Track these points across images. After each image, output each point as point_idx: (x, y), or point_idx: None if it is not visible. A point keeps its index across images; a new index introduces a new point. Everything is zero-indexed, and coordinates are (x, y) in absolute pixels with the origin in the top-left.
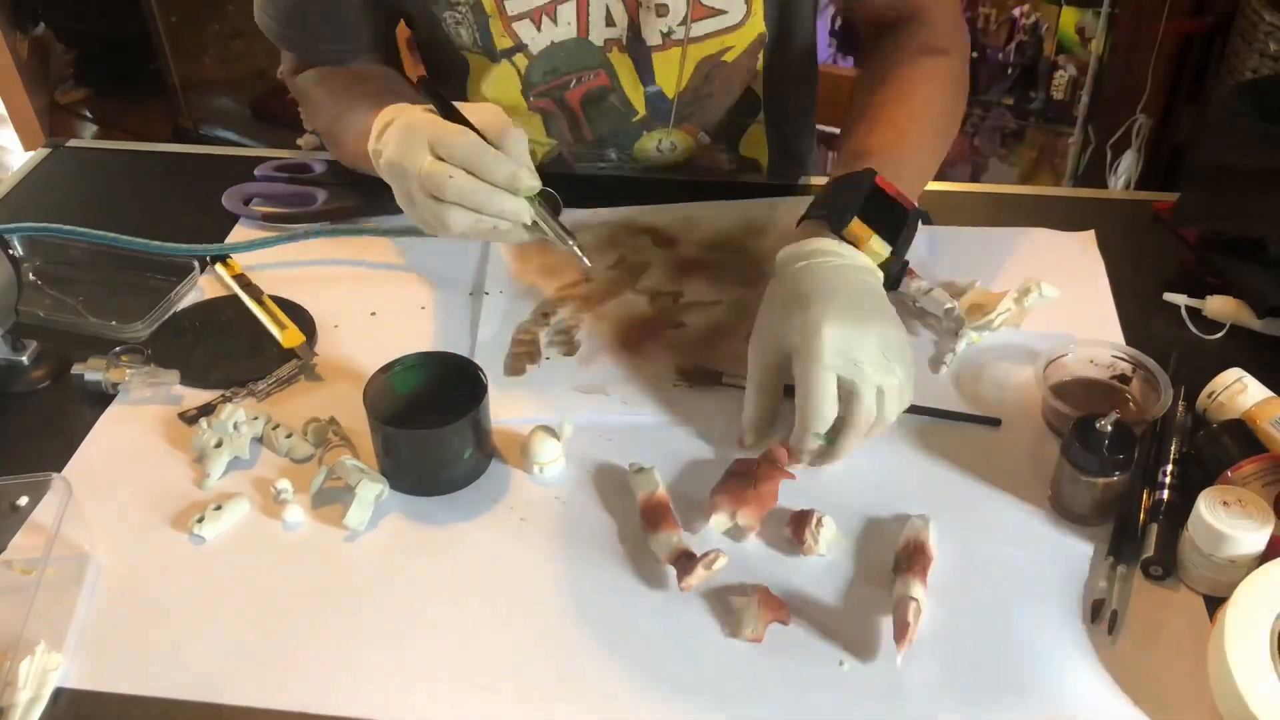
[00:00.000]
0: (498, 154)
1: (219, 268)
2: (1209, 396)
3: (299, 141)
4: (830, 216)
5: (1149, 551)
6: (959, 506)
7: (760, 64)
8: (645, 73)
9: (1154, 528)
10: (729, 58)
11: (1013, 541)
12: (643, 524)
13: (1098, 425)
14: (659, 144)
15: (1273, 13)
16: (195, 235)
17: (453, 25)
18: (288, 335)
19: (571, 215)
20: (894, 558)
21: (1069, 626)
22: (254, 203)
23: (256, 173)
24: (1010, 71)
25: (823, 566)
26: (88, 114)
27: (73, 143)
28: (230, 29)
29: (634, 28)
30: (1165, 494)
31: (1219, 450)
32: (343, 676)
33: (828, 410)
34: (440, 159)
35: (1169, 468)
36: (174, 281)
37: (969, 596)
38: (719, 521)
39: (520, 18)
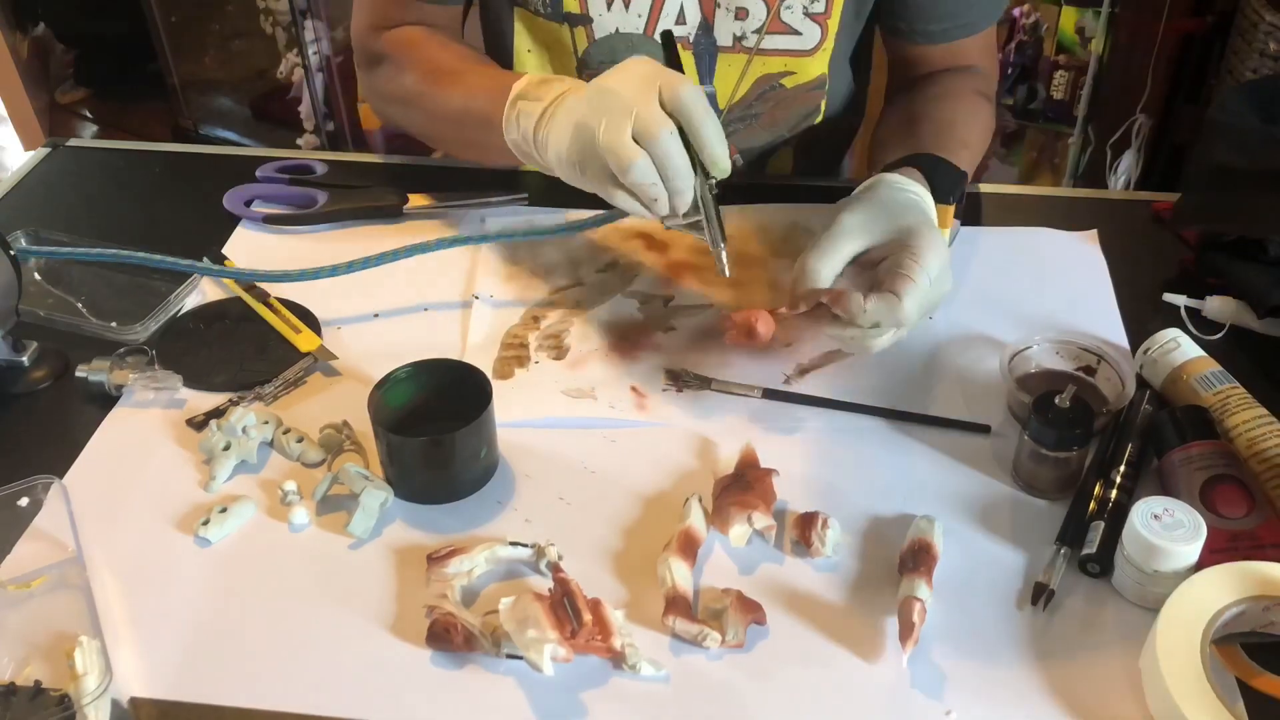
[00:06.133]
0: (682, 155)
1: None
2: (1145, 353)
3: (299, 141)
4: (937, 187)
5: (1090, 549)
6: (962, 505)
7: (820, 115)
8: (705, 72)
9: (1098, 526)
10: (789, 83)
11: (1015, 539)
12: (674, 546)
13: (1057, 401)
14: None
15: (1273, 13)
16: (196, 237)
17: None
18: (304, 339)
19: (565, 216)
20: (899, 558)
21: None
22: (255, 204)
23: (258, 174)
24: (1010, 71)
25: (829, 568)
26: (88, 114)
27: (73, 143)
28: (230, 29)
29: (705, 26)
30: (1114, 494)
31: (1170, 431)
32: (344, 678)
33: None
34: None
35: (1122, 469)
36: (175, 283)
37: (974, 596)
38: (740, 532)
39: None
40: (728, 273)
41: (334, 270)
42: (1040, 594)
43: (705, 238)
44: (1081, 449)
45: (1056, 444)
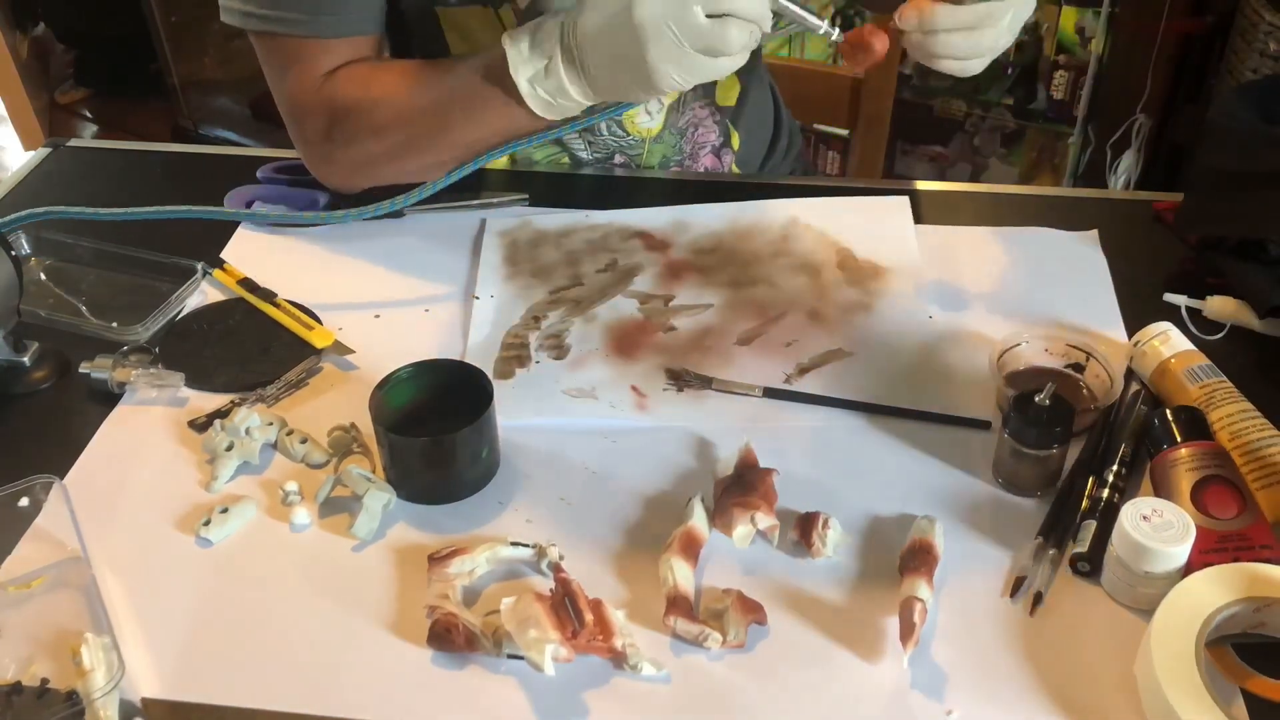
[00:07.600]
0: None
1: (218, 276)
2: (1135, 345)
3: None
4: None
5: (1081, 547)
6: (963, 505)
7: None
8: None
9: (1089, 525)
10: None
11: (1017, 539)
12: (675, 546)
13: (1036, 399)
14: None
15: (1273, 13)
16: (196, 237)
17: None
18: (317, 335)
19: (564, 216)
20: (900, 558)
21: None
22: (256, 205)
23: (259, 174)
24: (1010, 71)
25: (829, 568)
26: (88, 114)
27: (73, 143)
28: (230, 29)
29: None
30: (1106, 493)
31: (1164, 431)
32: (345, 678)
33: None
34: None
35: (1114, 468)
36: (176, 284)
37: (975, 596)
38: (743, 533)
39: None
40: (836, 35)
41: (392, 204)
42: (1019, 587)
43: (801, 28)
44: (1062, 447)
45: (1036, 442)
